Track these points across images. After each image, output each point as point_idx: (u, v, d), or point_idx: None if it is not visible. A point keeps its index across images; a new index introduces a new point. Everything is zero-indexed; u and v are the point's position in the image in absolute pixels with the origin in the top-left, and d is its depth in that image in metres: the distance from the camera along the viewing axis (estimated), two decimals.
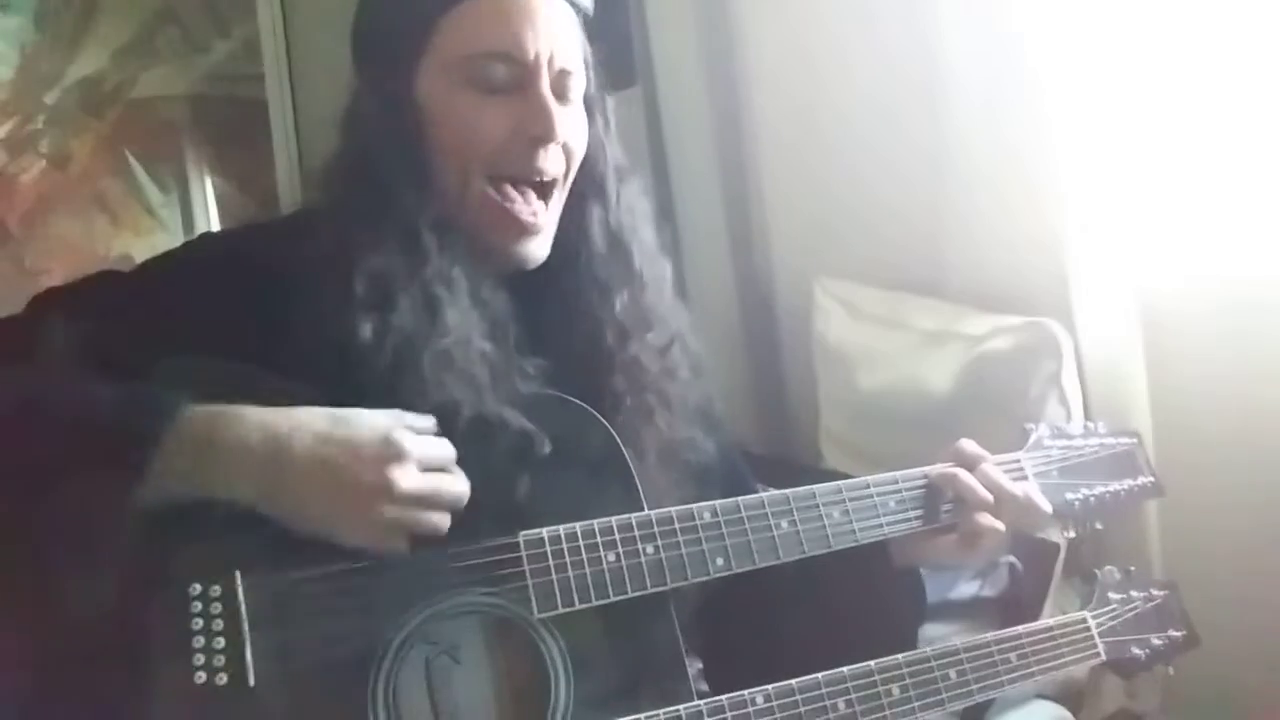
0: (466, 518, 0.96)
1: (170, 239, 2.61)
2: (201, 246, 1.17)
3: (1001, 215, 1.78)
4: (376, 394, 0.96)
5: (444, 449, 0.96)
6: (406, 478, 0.92)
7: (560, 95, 1.06)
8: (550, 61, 1.05)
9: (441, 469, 0.95)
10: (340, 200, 1.04)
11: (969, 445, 1.18)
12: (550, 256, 1.10)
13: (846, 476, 1.13)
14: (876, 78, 1.91)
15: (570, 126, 1.08)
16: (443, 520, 0.94)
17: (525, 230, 1.07)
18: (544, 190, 1.08)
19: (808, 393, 2.07)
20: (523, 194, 1.07)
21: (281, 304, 0.97)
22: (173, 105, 2.63)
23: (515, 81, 1.05)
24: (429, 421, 0.97)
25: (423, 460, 0.94)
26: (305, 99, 2.63)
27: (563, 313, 1.11)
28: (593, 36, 1.13)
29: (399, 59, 1.06)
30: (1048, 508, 1.18)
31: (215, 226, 2.65)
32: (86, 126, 2.57)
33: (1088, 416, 1.61)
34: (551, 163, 1.07)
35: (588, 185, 1.12)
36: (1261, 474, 1.64)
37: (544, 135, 1.04)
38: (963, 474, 1.15)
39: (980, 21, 1.77)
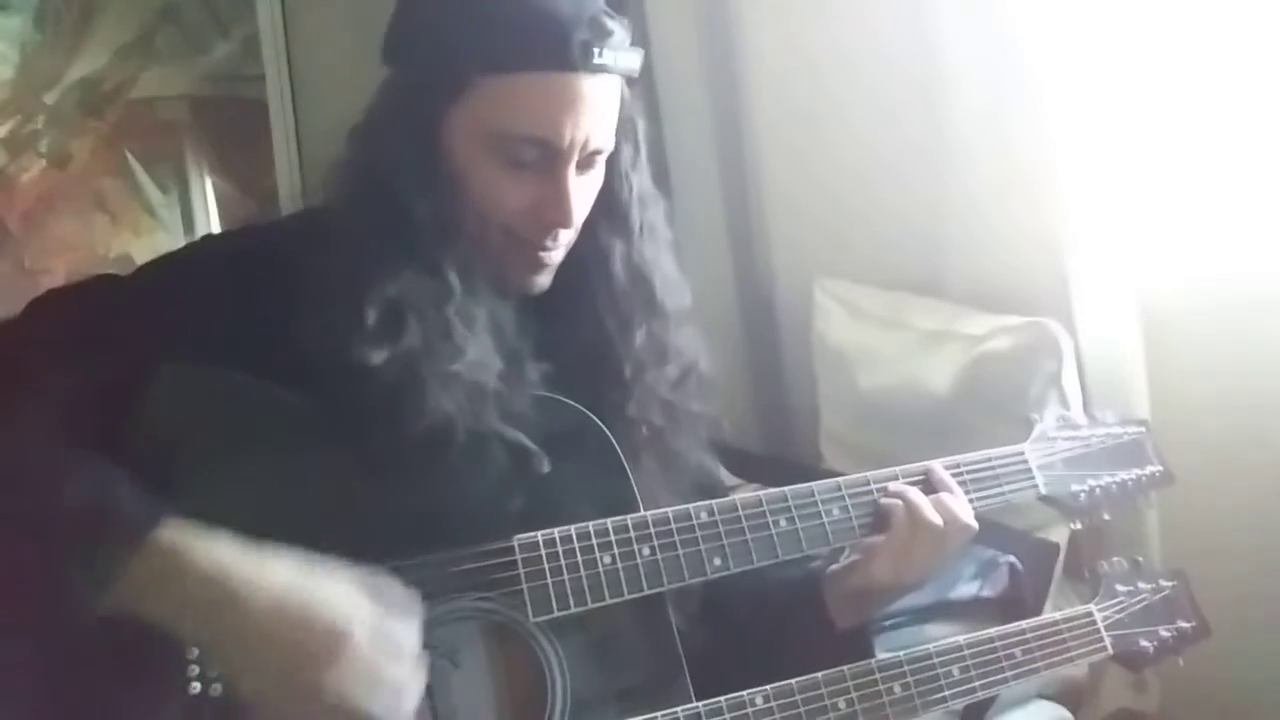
0: (464, 532, 0.95)
1: (170, 239, 2.60)
2: (201, 249, 1.14)
3: (1001, 215, 1.78)
4: (376, 408, 0.94)
5: (405, 638, 0.89)
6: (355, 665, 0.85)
7: (583, 169, 1.05)
8: (584, 145, 1.02)
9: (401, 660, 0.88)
10: (356, 210, 1.01)
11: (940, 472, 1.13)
12: (570, 285, 1.08)
13: None
14: (876, 78, 1.91)
15: (586, 200, 1.06)
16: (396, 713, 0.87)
17: (539, 267, 1.06)
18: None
19: (808, 393, 2.07)
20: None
21: (285, 310, 0.95)
22: (173, 105, 2.62)
23: (542, 162, 1.01)
24: (403, 596, 0.90)
25: (379, 650, 0.86)
26: (305, 99, 2.62)
27: (579, 342, 1.09)
28: None
29: (430, 96, 1.01)
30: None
31: (215, 226, 2.64)
32: (86, 126, 2.56)
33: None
34: (559, 240, 1.05)
35: (610, 216, 1.10)
36: (1262, 473, 1.64)
37: (561, 223, 1.03)
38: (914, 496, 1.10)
39: (980, 21, 1.76)
